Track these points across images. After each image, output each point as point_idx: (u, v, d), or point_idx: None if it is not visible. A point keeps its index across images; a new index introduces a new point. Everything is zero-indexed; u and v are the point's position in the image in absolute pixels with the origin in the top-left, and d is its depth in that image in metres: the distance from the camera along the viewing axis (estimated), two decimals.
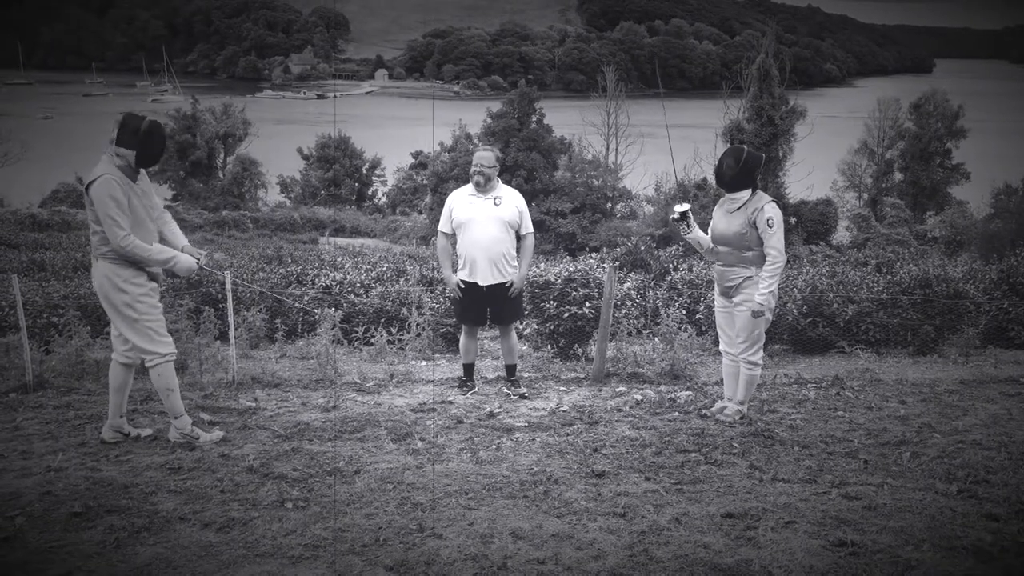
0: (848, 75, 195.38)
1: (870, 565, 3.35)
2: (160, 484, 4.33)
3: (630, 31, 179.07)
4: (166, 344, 4.96)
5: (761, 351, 5.66)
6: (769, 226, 5.36)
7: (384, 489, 4.27)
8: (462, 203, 6.38)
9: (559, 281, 8.57)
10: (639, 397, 6.45)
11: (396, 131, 79.81)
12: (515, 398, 6.48)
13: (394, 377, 7.28)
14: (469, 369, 6.83)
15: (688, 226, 5.67)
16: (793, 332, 9.73)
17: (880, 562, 3.38)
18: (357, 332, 9.24)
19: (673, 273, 12.13)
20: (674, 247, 14.94)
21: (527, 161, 39.76)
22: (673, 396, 6.47)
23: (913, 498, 4.10)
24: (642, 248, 14.81)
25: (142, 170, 4.89)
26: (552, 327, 8.58)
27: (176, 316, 8.26)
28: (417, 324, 9.23)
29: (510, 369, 6.82)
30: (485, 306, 6.49)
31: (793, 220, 33.76)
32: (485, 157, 6.34)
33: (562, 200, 39.05)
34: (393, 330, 9.27)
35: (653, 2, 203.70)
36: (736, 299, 5.56)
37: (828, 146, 46.52)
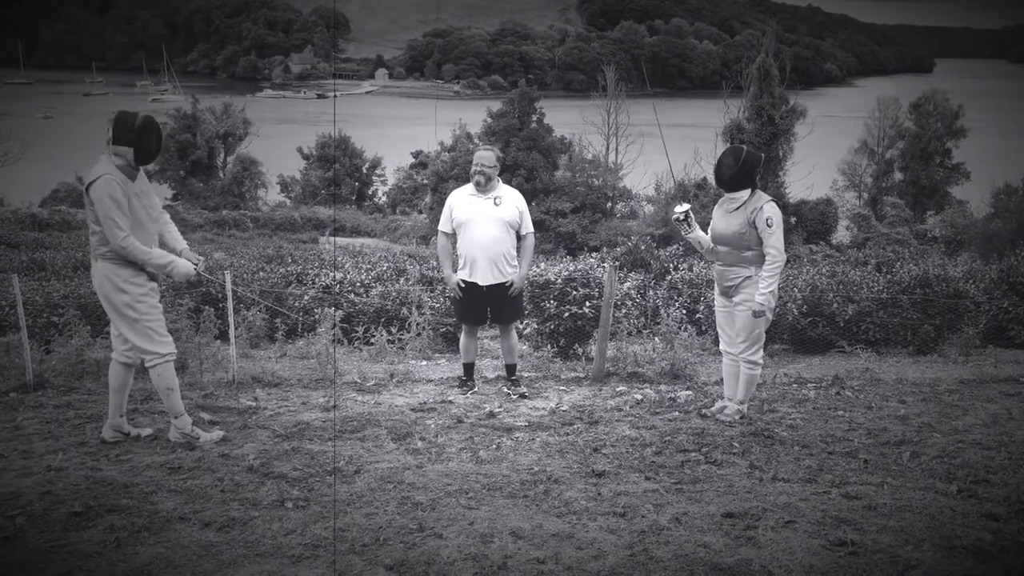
0: (848, 75, 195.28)
1: (870, 565, 3.35)
2: (160, 484, 4.33)
3: (630, 31, 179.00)
4: (166, 344, 4.96)
5: (761, 351, 5.66)
6: (768, 225, 5.36)
7: (384, 489, 4.27)
8: (462, 203, 6.38)
9: (559, 281, 8.57)
10: (639, 397, 6.45)
11: (396, 131, 79.77)
12: (515, 398, 6.48)
13: (394, 377, 7.28)
14: (469, 369, 6.83)
15: (689, 226, 5.67)
16: (793, 332, 9.73)
17: (880, 562, 3.38)
18: (357, 332, 9.24)
19: (673, 273, 12.13)
20: (674, 247, 14.93)
21: (527, 161, 39.77)
22: (673, 396, 6.47)
23: (913, 498, 4.10)
24: (642, 248, 14.81)
25: (141, 170, 4.89)
26: (552, 327, 8.58)
27: (176, 316, 8.26)
28: (417, 324, 9.23)
29: (510, 369, 6.82)
30: (485, 306, 6.49)
31: (793, 220, 33.75)
32: (485, 157, 6.34)
33: (562, 200, 39.05)
34: (393, 329, 9.27)
35: (653, 1, 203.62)
36: (736, 299, 5.56)
37: (828, 146, 46.51)
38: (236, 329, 7.82)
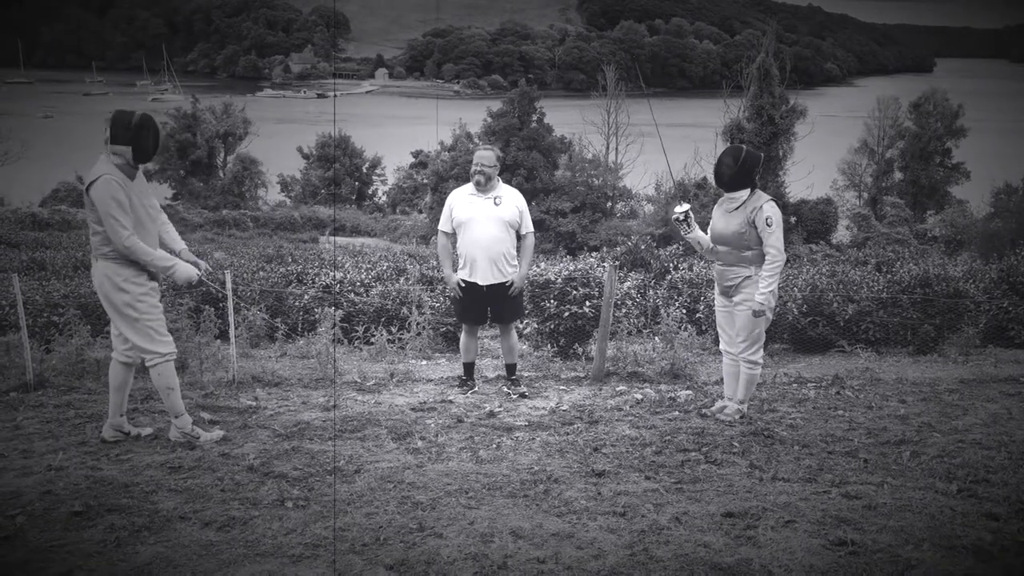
0: (848, 74, 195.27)
1: (870, 564, 3.35)
2: (160, 483, 4.33)
3: (630, 30, 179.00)
4: (166, 343, 4.96)
5: (761, 350, 5.66)
6: (768, 225, 5.36)
7: (384, 488, 4.27)
8: (462, 202, 6.38)
9: (559, 280, 8.57)
10: (639, 396, 6.45)
11: (396, 130, 79.73)
12: (515, 397, 6.49)
13: (394, 376, 7.28)
14: (469, 368, 6.83)
15: (688, 226, 5.68)
16: (793, 331, 9.73)
17: (880, 561, 3.38)
18: (357, 331, 9.25)
19: (673, 272, 12.13)
20: (674, 246, 14.94)
21: (527, 160, 39.77)
22: (673, 395, 6.47)
23: (913, 497, 4.10)
24: (642, 247, 14.81)
25: (140, 170, 4.89)
26: (552, 326, 8.58)
27: (176, 315, 8.27)
28: (417, 323, 9.23)
29: (510, 368, 6.82)
30: (485, 305, 6.49)
31: (793, 219, 33.78)
32: (485, 156, 6.34)
33: (562, 199, 39.06)
34: (393, 329, 9.27)
35: (653, 1, 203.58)
36: (736, 298, 5.57)
37: (828, 145, 46.51)
38: (236, 329, 7.83)
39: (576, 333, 8.61)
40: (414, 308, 9.56)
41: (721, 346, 5.87)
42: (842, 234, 36.70)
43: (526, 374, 7.43)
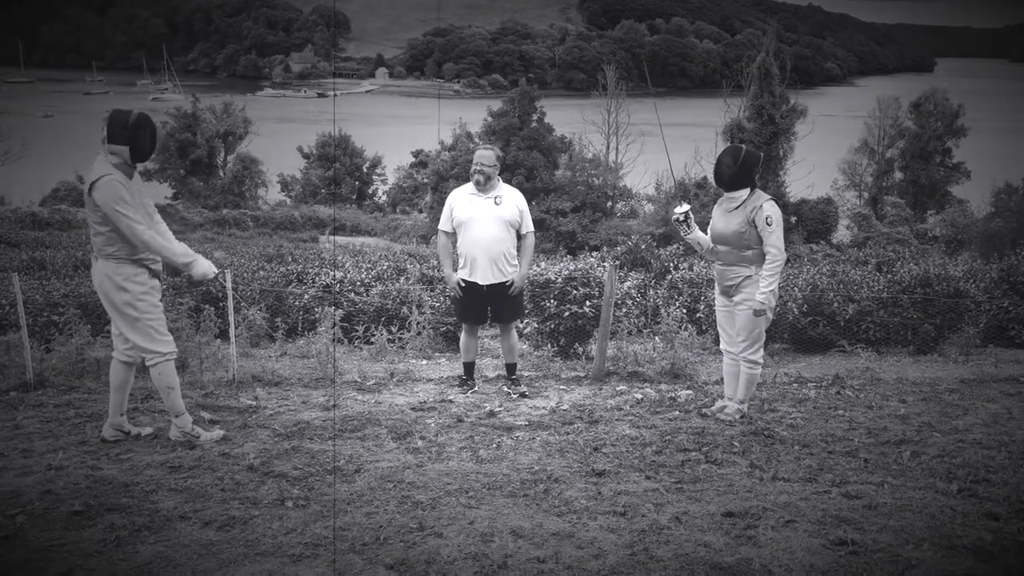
0: (849, 74, 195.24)
1: (870, 564, 3.35)
2: (161, 482, 4.33)
3: (631, 29, 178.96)
4: (166, 343, 4.96)
5: (761, 350, 5.66)
6: (768, 224, 5.36)
7: (384, 488, 4.27)
8: (463, 202, 6.38)
9: (559, 280, 8.57)
10: (639, 396, 6.45)
11: (396, 130, 79.78)
12: (515, 397, 6.48)
13: (394, 376, 7.28)
14: (469, 368, 6.83)
15: (688, 227, 5.68)
16: (793, 331, 9.73)
17: (880, 561, 3.38)
18: (357, 331, 9.25)
19: (673, 272, 12.14)
20: (674, 246, 14.94)
21: (527, 160, 39.77)
22: (673, 395, 6.47)
23: (913, 497, 4.10)
24: (642, 247, 14.81)
25: (137, 169, 4.88)
26: (552, 326, 8.58)
27: (176, 314, 8.27)
28: (417, 323, 9.23)
29: (510, 368, 6.82)
30: (486, 305, 6.49)
31: (793, 219, 33.79)
32: (486, 156, 6.33)
33: (562, 199, 39.06)
34: (393, 329, 9.27)
35: (654, 0, 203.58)
36: (736, 298, 5.56)
37: (828, 145, 46.51)
38: (236, 328, 7.83)
39: (576, 333, 8.61)
40: (414, 308, 9.56)
41: (721, 346, 5.87)
42: (842, 234, 36.70)
43: (526, 374, 7.43)
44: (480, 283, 6.34)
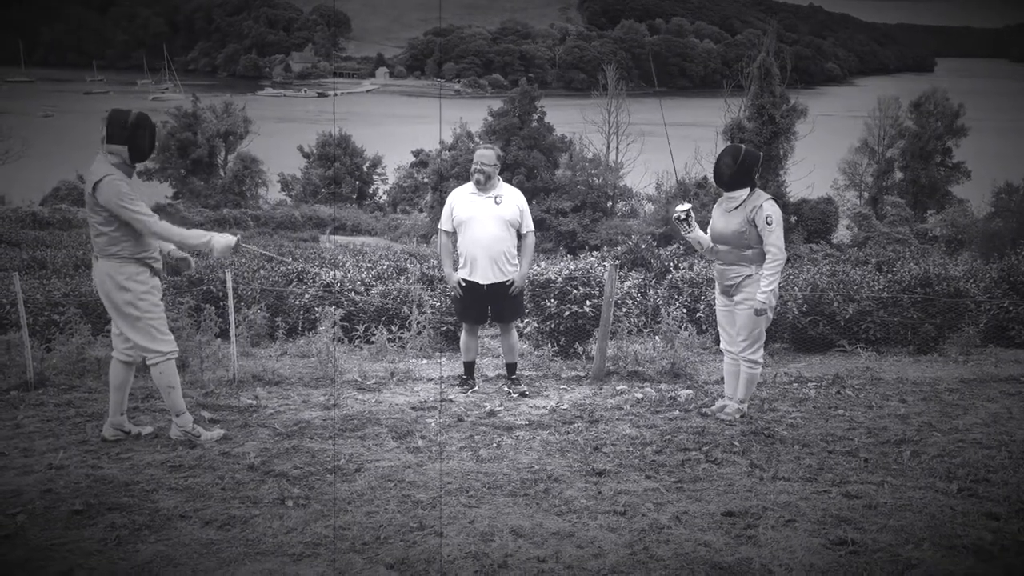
0: (849, 74, 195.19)
1: (870, 564, 3.35)
2: (161, 482, 4.33)
3: (631, 29, 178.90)
4: (167, 342, 4.96)
5: (761, 349, 5.66)
6: (768, 223, 5.36)
7: (385, 487, 4.27)
8: (463, 201, 6.38)
9: (560, 279, 8.57)
10: (639, 395, 6.45)
11: (397, 129, 79.79)
12: (515, 396, 6.49)
13: (395, 375, 7.28)
14: (470, 367, 6.83)
15: (688, 226, 5.69)
16: (794, 331, 9.73)
17: (880, 561, 3.38)
18: (358, 330, 9.25)
19: (674, 272, 12.13)
20: (675, 246, 14.94)
21: (528, 159, 39.77)
22: (673, 394, 6.47)
23: (913, 497, 4.11)
24: (643, 247, 14.81)
25: (136, 170, 4.89)
26: (553, 325, 8.58)
27: (177, 314, 8.27)
28: (418, 322, 9.23)
29: (511, 367, 6.82)
30: (486, 304, 6.49)
31: (794, 219, 33.79)
32: (486, 155, 6.33)
33: (563, 198, 39.06)
34: (394, 328, 9.27)
35: (654, 0, 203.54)
36: (737, 297, 5.57)
37: (829, 145, 46.51)
38: (237, 327, 7.83)
39: (576, 332, 8.61)
40: (414, 307, 9.56)
41: (722, 345, 5.87)
42: (843, 234, 36.69)
43: (526, 373, 7.43)
44: (480, 282, 6.34)
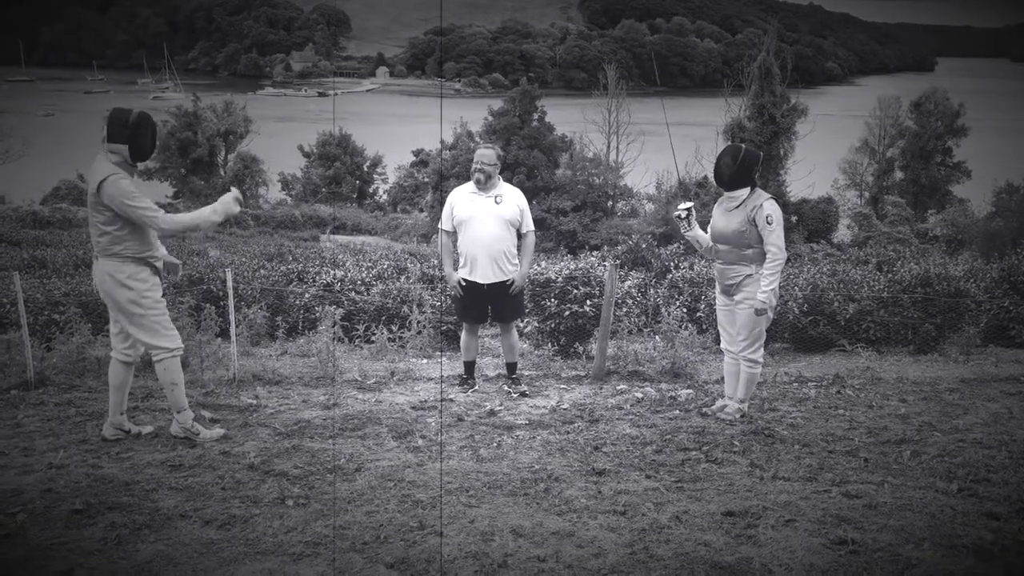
0: (850, 73, 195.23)
1: (870, 563, 3.35)
2: (161, 481, 4.33)
3: (631, 29, 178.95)
4: (173, 338, 4.97)
5: (762, 349, 5.66)
6: (768, 223, 5.36)
7: (385, 487, 4.27)
8: (463, 201, 6.38)
9: (560, 279, 8.58)
10: (640, 395, 6.45)
11: (397, 129, 79.79)
12: (516, 396, 6.48)
13: (395, 375, 7.28)
14: (470, 367, 6.83)
15: (689, 224, 5.70)
16: (794, 330, 9.73)
17: (880, 560, 3.38)
18: (358, 330, 9.25)
19: (674, 271, 12.13)
20: (675, 245, 14.94)
21: (528, 159, 39.78)
22: (674, 394, 6.47)
23: (914, 496, 4.10)
24: (643, 246, 14.82)
25: (137, 169, 4.89)
26: (553, 325, 8.58)
27: (177, 313, 8.26)
28: (418, 322, 9.23)
29: (511, 367, 6.82)
30: (486, 304, 6.49)
31: (794, 218, 33.80)
32: (486, 155, 6.33)
33: (563, 198, 39.07)
34: (394, 328, 9.27)
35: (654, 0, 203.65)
36: (737, 297, 5.57)
37: (829, 144, 46.51)
38: (237, 327, 7.83)
39: (577, 332, 8.61)
40: (415, 307, 9.56)
41: (722, 345, 5.87)
42: (843, 233, 36.71)
43: (527, 373, 7.43)
44: (480, 282, 6.34)
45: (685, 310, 9.66)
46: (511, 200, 6.37)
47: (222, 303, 9.56)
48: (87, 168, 4.87)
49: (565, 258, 12.94)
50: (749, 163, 5.45)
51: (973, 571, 3.30)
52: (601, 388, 6.84)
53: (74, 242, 23.72)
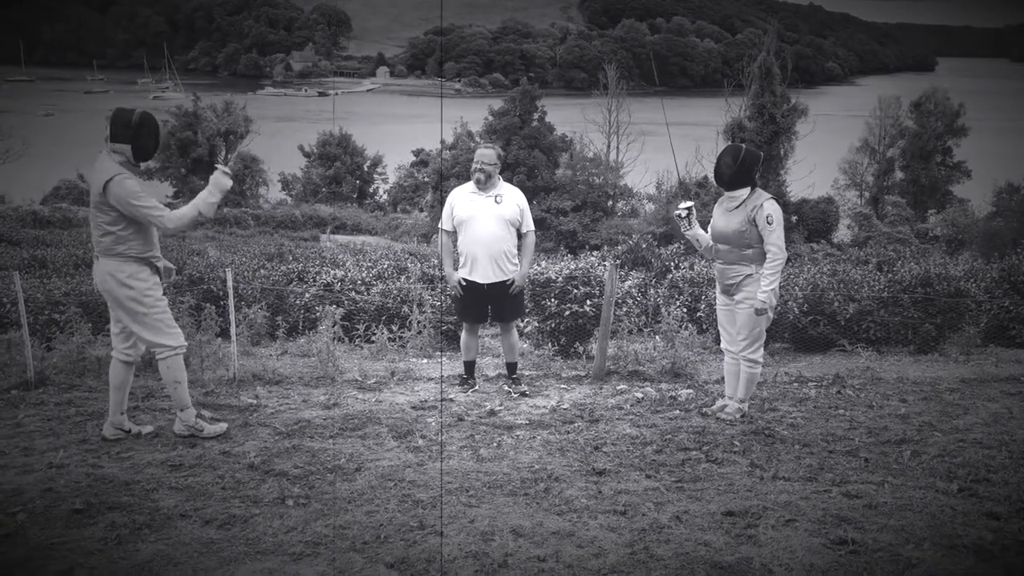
0: (850, 73, 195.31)
1: (871, 563, 3.35)
2: (161, 481, 4.33)
3: (632, 29, 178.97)
4: (176, 336, 4.98)
5: (762, 349, 5.66)
6: (769, 223, 5.36)
7: (385, 486, 4.27)
8: (463, 200, 6.38)
9: (560, 279, 8.57)
10: (640, 395, 6.45)
11: (397, 128, 79.80)
12: (516, 396, 6.48)
13: (395, 374, 7.28)
14: (470, 367, 6.82)
15: (689, 223, 5.70)
16: (794, 330, 9.73)
17: (881, 560, 3.38)
18: (358, 329, 9.25)
19: (674, 271, 12.13)
20: (675, 245, 14.95)
21: (528, 159, 39.76)
22: (674, 394, 6.47)
23: (914, 496, 4.10)
24: (643, 246, 14.82)
25: (139, 168, 4.90)
26: (553, 325, 8.58)
27: (177, 313, 8.26)
28: (418, 321, 9.23)
29: (511, 367, 6.82)
30: (486, 304, 6.48)
31: (794, 218, 33.82)
32: (486, 155, 6.33)
33: (563, 198, 39.06)
34: (394, 327, 9.27)
35: None
36: (737, 296, 5.57)
37: (829, 144, 46.51)
38: (237, 327, 7.83)
39: (577, 332, 8.61)
40: (415, 306, 9.56)
41: (722, 345, 5.87)
42: (843, 233, 36.71)
43: (527, 373, 7.43)
44: (481, 282, 6.34)
45: (685, 310, 9.65)
46: (511, 200, 6.37)
47: (222, 303, 9.56)
48: (89, 168, 4.88)
49: (565, 258, 12.94)
50: (750, 163, 5.46)
51: (973, 571, 3.30)
52: (601, 388, 6.84)
53: (74, 242, 23.71)
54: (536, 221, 7.45)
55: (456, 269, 6.48)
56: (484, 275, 6.32)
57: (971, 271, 11.02)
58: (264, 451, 4.87)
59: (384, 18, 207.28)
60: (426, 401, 6.26)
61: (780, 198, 29.62)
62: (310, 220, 42.32)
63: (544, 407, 6.13)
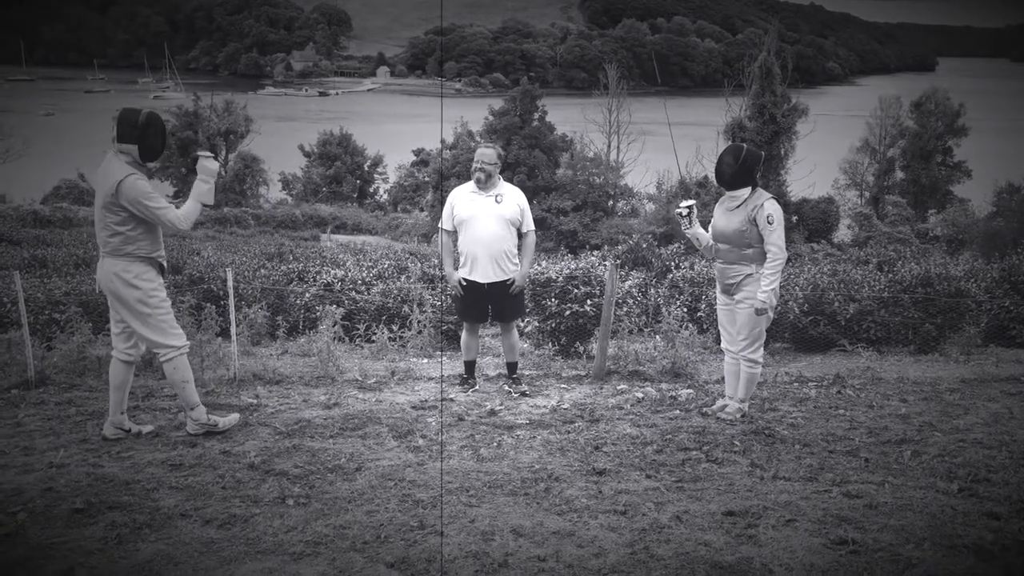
0: (850, 73, 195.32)
1: (871, 563, 3.35)
2: (161, 480, 4.33)
3: (632, 28, 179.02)
4: (179, 336, 4.98)
5: (762, 349, 5.66)
6: (769, 223, 5.36)
7: (385, 486, 4.27)
8: (463, 200, 6.38)
9: (560, 279, 8.57)
10: (640, 395, 6.45)
11: (398, 128, 79.80)
12: (516, 396, 6.48)
13: (395, 374, 7.28)
14: (470, 366, 6.82)
15: (690, 222, 5.71)
16: (794, 330, 9.73)
17: (881, 560, 3.38)
18: (358, 329, 9.25)
19: (675, 271, 12.14)
20: (676, 245, 14.95)
21: (529, 159, 39.76)
22: (674, 394, 6.47)
23: (914, 496, 4.10)
24: (644, 246, 14.82)
25: (146, 168, 4.90)
26: (553, 325, 8.58)
27: (178, 312, 8.27)
28: (418, 321, 9.23)
29: (511, 367, 6.82)
30: (486, 304, 6.48)
31: (795, 218, 33.82)
32: (487, 154, 6.33)
33: (564, 198, 39.05)
34: (394, 327, 9.27)
35: None
36: (737, 296, 5.57)
37: (830, 144, 46.52)
38: (237, 326, 7.83)
39: (577, 331, 8.61)
40: (415, 306, 9.56)
41: (722, 344, 5.87)
42: (843, 233, 36.71)
43: (527, 372, 7.43)
44: (481, 281, 6.34)
45: (686, 310, 9.65)
46: (511, 199, 6.37)
47: (223, 302, 9.56)
48: (96, 168, 4.88)
49: (566, 258, 12.94)
50: (750, 163, 5.46)
51: (973, 571, 3.30)
52: (601, 388, 6.84)
53: (75, 241, 23.70)
54: (536, 221, 7.45)
55: (456, 269, 6.48)
56: (484, 275, 6.32)
57: (971, 271, 11.01)
58: (264, 451, 4.87)
59: (384, 18, 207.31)
60: (426, 401, 6.26)
61: (780, 198, 29.63)
62: (310, 220, 42.33)
63: (544, 407, 6.13)
